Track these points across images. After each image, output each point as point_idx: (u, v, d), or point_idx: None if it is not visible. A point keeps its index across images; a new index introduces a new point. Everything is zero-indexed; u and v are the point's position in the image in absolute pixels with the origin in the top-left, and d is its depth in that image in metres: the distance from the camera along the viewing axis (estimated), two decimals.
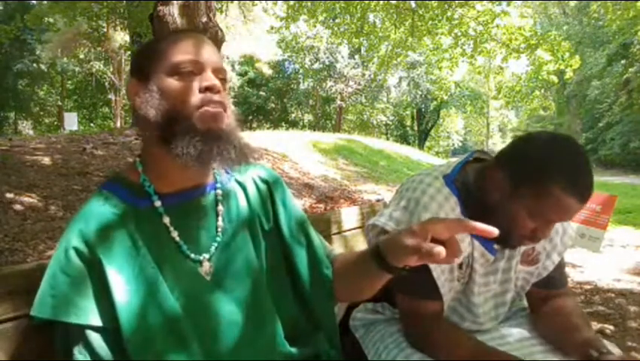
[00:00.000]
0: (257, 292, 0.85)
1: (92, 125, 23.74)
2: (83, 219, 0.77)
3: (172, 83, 0.79)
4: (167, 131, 0.77)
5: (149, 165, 0.84)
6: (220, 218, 0.86)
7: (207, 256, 0.82)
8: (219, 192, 0.88)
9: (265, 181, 0.95)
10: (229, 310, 0.81)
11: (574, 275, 3.60)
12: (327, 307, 0.95)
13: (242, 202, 0.90)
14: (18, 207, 3.50)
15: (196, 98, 0.78)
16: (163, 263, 0.77)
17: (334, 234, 1.66)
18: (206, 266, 0.82)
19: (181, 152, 0.75)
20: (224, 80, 0.83)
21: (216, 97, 0.79)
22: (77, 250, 0.73)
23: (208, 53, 0.82)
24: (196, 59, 0.80)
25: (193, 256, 0.81)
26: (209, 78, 0.80)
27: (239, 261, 0.85)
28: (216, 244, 0.84)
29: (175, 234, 0.80)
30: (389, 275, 0.81)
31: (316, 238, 0.98)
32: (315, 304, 0.93)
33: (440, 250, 0.67)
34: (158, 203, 0.81)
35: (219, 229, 0.85)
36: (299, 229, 0.95)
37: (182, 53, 0.80)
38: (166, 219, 0.80)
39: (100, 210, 0.78)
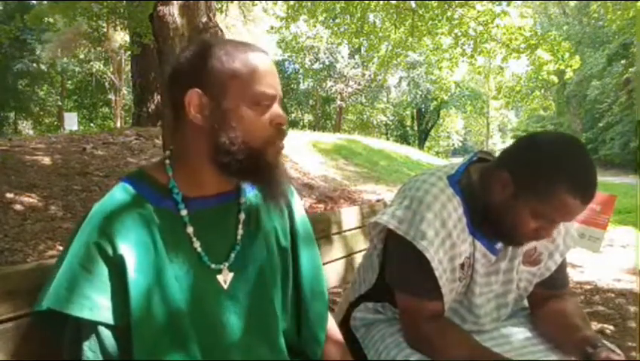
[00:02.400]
0: (267, 305, 0.86)
1: (92, 125, 23.72)
2: (104, 213, 0.76)
3: (251, 114, 0.78)
4: (237, 159, 0.78)
5: (180, 172, 0.83)
6: (240, 226, 0.87)
7: (227, 264, 0.83)
8: (242, 199, 0.88)
9: None
10: (239, 319, 0.82)
11: (574, 275, 3.60)
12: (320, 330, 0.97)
13: (263, 213, 0.91)
14: (18, 207, 3.50)
15: (268, 132, 0.80)
16: (179, 267, 0.78)
17: (334, 234, 1.66)
18: (225, 274, 0.83)
19: (256, 184, 0.81)
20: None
21: (285, 133, 0.82)
22: (98, 246, 0.73)
23: (278, 82, 0.83)
24: (272, 92, 0.80)
25: (213, 266, 0.82)
26: (280, 113, 0.81)
27: (255, 271, 0.86)
28: (236, 252, 0.85)
29: (197, 245, 0.81)
30: None
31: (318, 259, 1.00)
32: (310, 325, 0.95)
33: None
34: (184, 212, 0.81)
35: (239, 237, 0.86)
36: (313, 251, 0.98)
37: (265, 86, 0.79)
38: (190, 229, 0.80)
39: (121, 204, 0.77)
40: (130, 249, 0.74)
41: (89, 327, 0.72)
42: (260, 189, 0.84)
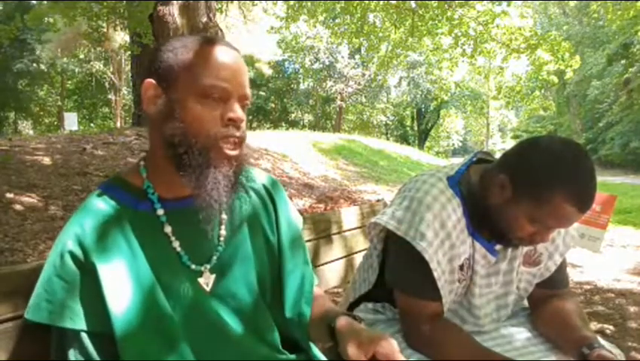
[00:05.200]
0: (256, 304, 0.85)
1: (92, 125, 23.73)
2: (78, 221, 0.75)
3: (197, 108, 0.74)
4: (179, 152, 0.74)
5: (153, 171, 0.81)
6: (222, 226, 0.85)
7: (208, 266, 0.81)
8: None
9: (268, 191, 0.94)
10: (227, 321, 0.80)
11: (574, 275, 3.60)
12: (302, 333, 0.92)
13: (248, 212, 0.89)
14: (18, 207, 3.50)
15: (217, 129, 0.75)
16: (160, 269, 0.76)
17: (334, 234, 1.66)
18: (207, 277, 0.81)
19: (192, 183, 0.74)
20: (246, 105, 0.80)
21: (237, 132, 0.77)
22: (72, 255, 0.72)
23: (239, 78, 0.77)
24: (226, 86, 0.75)
25: (194, 267, 0.80)
26: (235, 109, 0.76)
27: (240, 271, 0.84)
28: (218, 254, 0.83)
29: (176, 244, 0.79)
30: None
31: (307, 263, 0.96)
32: (292, 329, 0.91)
33: None
34: (161, 212, 0.79)
35: (221, 238, 0.84)
36: (297, 251, 0.94)
37: (214, 78, 0.75)
38: (168, 229, 0.79)
39: (97, 211, 0.76)
40: (105, 254, 0.73)
41: (72, 334, 0.72)
42: (192, 189, 0.75)
